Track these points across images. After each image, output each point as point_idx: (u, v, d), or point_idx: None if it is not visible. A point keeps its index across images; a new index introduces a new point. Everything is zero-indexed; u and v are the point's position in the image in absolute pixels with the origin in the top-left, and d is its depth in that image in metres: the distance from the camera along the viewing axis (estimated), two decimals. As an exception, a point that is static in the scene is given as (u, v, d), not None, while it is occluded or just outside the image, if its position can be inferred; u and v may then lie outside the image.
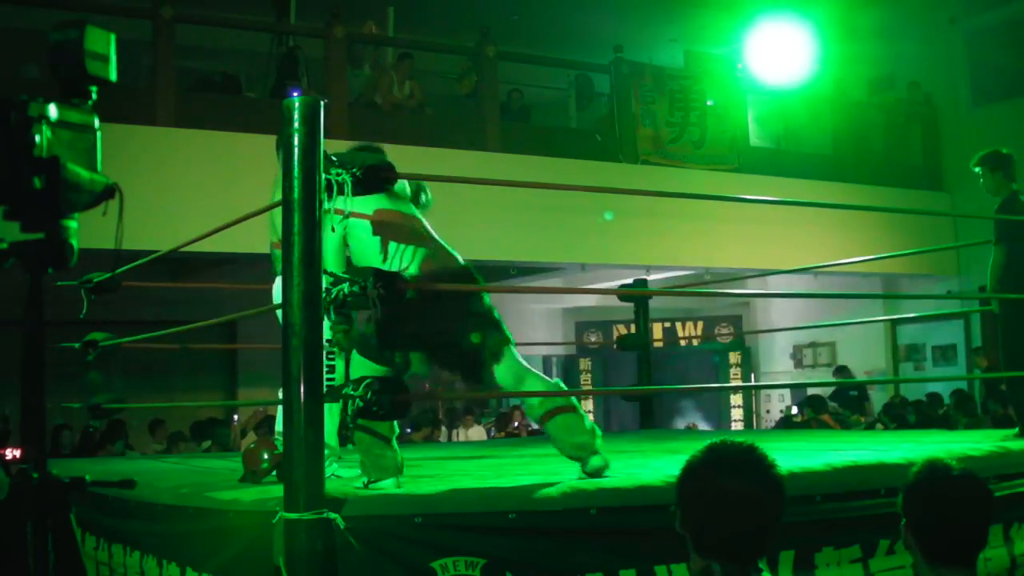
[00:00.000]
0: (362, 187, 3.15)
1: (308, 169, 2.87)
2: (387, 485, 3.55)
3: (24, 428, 2.40)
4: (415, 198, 4.02)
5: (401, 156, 3.92)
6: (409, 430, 9.69)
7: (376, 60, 10.27)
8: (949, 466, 2.43)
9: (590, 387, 14.75)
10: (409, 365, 3.78)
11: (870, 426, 9.83)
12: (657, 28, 12.48)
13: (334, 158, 3.19)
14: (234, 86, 9.93)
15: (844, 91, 12.25)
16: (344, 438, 4.41)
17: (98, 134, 2.27)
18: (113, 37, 2.33)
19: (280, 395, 3.75)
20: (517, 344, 3.74)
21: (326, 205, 3.05)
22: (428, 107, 10.05)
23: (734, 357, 14.45)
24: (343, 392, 3.18)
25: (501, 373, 3.67)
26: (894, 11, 12.46)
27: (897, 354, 12.85)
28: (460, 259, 3.82)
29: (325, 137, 2.96)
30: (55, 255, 2.20)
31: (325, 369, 4.12)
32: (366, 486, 3.57)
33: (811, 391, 10.59)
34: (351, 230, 3.76)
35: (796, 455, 4.16)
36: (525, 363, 3.74)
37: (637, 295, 7.80)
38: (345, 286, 3.05)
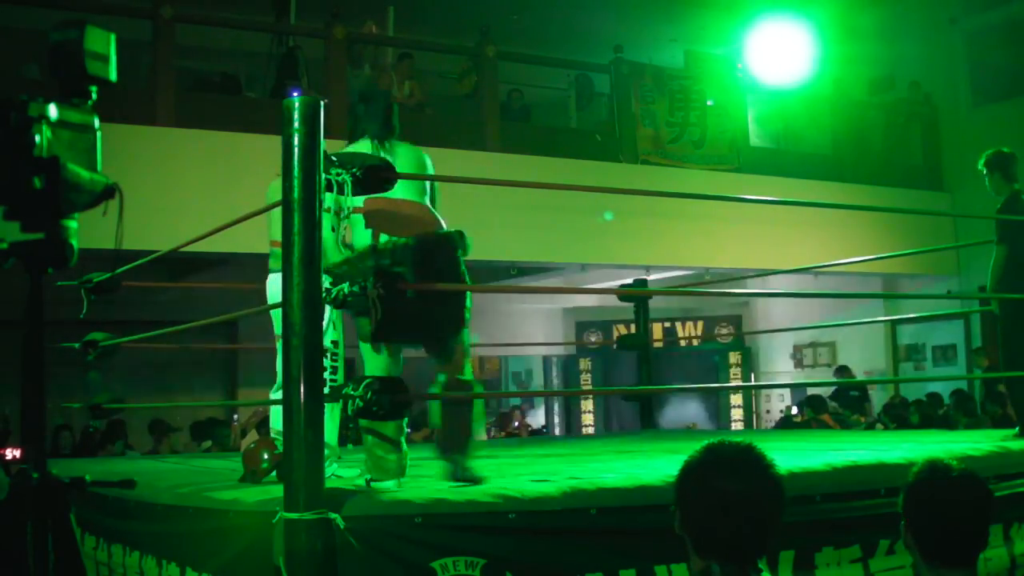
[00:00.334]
0: (362, 187, 3.15)
1: (308, 169, 2.87)
2: (388, 486, 3.55)
3: (24, 428, 2.40)
4: (386, 123, 3.95)
5: (401, 156, 3.91)
6: (409, 430, 9.68)
7: (376, 60, 10.27)
8: (949, 466, 2.43)
9: (590, 387, 14.74)
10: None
11: (870, 426, 9.83)
12: (657, 28, 12.47)
13: (334, 158, 3.19)
14: (234, 86, 9.93)
15: (844, 91, 12.25)
16: (344, 438, 4.42)
17: (98, 134, 2.27)
18: (113, 37, 2.33)
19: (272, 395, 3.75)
20: (517, 344, 3.76)
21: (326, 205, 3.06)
22: (428, 107, 10.04)
23: (734, 357, 14.44)
24: (343, 392, 3.18)
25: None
26: (894, 11, 12.46)
27: (897, 354, 12.85)
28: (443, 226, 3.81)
29: (325, 137, 2.96)
30: (55, 255, 2.20)
31: (329, 370, 4.13)
32: (367, 484, 3.58)
33: (811, 391, 10.60)
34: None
35: (796, 455, 4.16)
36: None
37: (637, 295, 7.80)
38: (345, 286, 3.05)
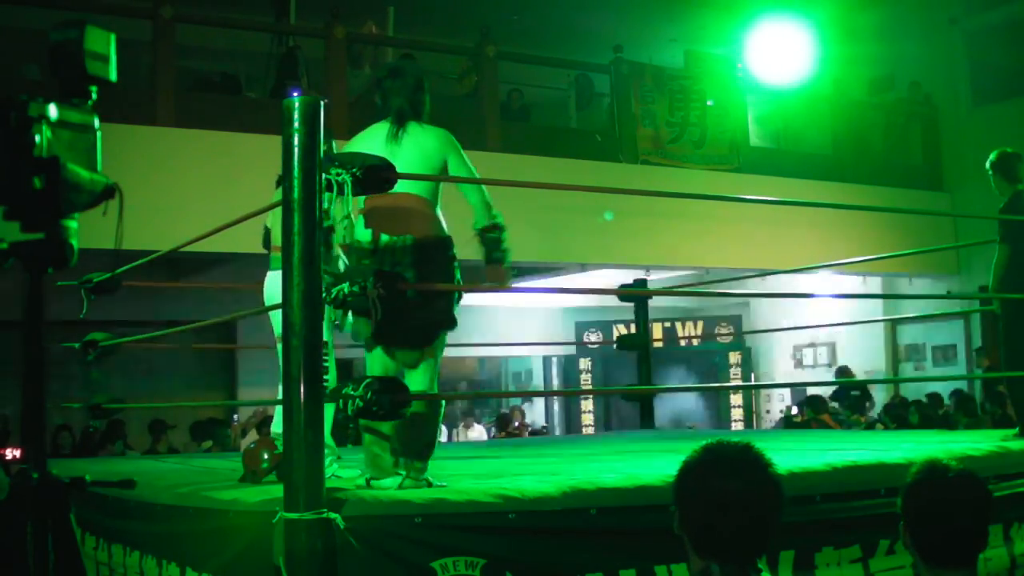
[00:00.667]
0: (362, 187, 3.15)
1: (308, 169, 2.87)
2: (386, 484, 3.55)
3: (24, 428, 2.40)
4: (412, 101, 3.86)
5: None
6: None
7: (376, 60, 10.26)
8: (948, 466, 2.43)
9: (590, 387, 14.74)
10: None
11: (870, 426, 9.83)
12: (657, 28, 12.48)
13: (334, 157, 3.18)
14: (234, 86, 9.93)
15: (844, 91, 12.25)
16: (344, 438, 4.42)
17: (98, 134, 2.27)
18: (113, 37, 2.33)
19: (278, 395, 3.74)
20: (518, 344, 3.76)
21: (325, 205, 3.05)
22: (428, 107, 10.02)
23: (734, 357, 14.43)
24: (343, 392, 3.18)
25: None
26: (894, 11, 12.46)
27: (897, 354, 12.85)
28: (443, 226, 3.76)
29: (324, 137, 2.96)
30: (55, 255, 2.19)
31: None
32: (367, 483, 3.58)
33: (811, 391, 10.60)
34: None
35: (796, 455, 4.16)
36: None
37: (637, 295, 7.80)
38: (345, 286, 3.05)
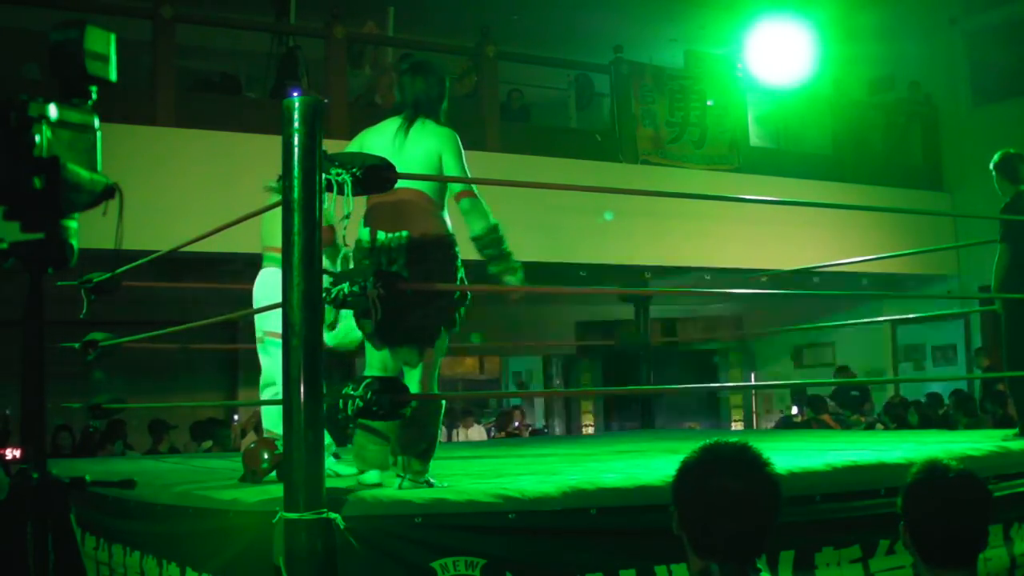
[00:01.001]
0: (362, 187, 3.15)
1: (308, 169, 2.87)
2: (370, 477, 3.57)
3: (24, 428, 2.40)
4: (427, 96, 3.84)
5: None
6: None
7: (376, 60, 10.26)
8: (948, 466, 2.43)
9: (590, 387, 14.75)
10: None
11: (870, 426, 9.82)
12: (657, 28, 12.47)
13: (335, 157, 3.18)
14: (234, 86, 9.93)
15: (844, 91, 12.25)
16: (345, 438, 4.42)
17: (98, 134, 2.27)
18: (113, 37, 2.33)
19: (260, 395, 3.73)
20: (517, 343, 3.77)
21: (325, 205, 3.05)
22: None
23: (734, 357, 14.45)
24: (343, 392, 3.18)
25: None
26: (894, 11, 12.46)
27: (897, 354, 12.85)
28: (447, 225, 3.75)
29: (325, 137, 2.96)
30: (55, 255, 2.19)
31: None
32: (359, 473, 3.62)
33: (811, 391, 10.59)
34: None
35: (796, 455, 4.17)
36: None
37: (637, 295, 7.80)
38: (345, 286, 3.05)
